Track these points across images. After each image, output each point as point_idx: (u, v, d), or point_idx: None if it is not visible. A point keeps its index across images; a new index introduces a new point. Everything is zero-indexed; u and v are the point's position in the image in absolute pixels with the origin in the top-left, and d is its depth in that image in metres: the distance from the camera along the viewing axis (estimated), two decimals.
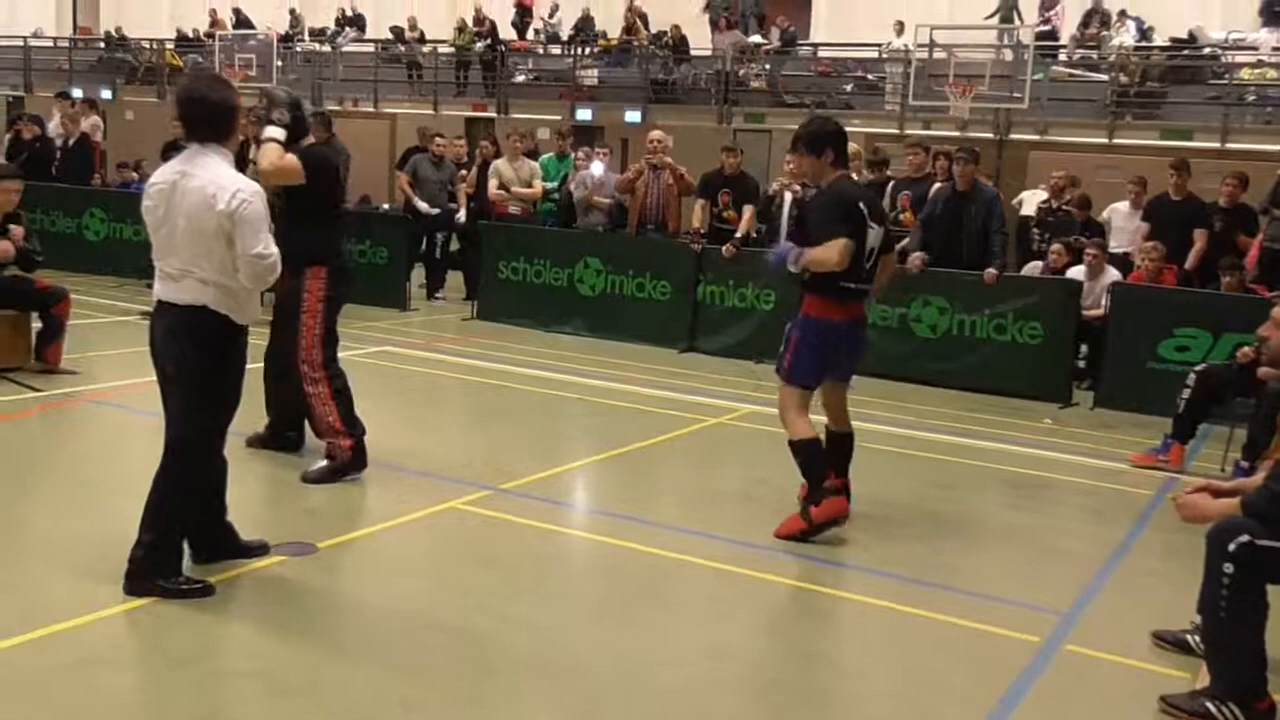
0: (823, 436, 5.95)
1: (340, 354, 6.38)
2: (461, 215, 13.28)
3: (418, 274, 13.45)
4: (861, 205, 5.67)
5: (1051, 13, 20.81)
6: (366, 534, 5.40)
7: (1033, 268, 11.87)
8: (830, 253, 5.45)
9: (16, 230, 8.20)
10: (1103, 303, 10.04)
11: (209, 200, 4.37)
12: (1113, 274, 10.38)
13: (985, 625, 4.79)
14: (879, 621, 4.88)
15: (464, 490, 6.17)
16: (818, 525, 5.70)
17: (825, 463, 5.79)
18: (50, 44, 30.92)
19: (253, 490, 6.21)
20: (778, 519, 5.93)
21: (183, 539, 4.68)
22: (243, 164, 11.94)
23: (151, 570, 4.51)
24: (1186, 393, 7.67)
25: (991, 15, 20.66)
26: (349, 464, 6.24)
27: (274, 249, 4.49)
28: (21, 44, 29.16)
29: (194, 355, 4.48)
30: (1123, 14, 20.02)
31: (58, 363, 8.36)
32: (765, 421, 8.38)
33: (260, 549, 5.00)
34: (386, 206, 18.00)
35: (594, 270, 11.61)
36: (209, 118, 4.50)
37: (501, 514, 5.88)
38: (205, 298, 4.46)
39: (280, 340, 6.45)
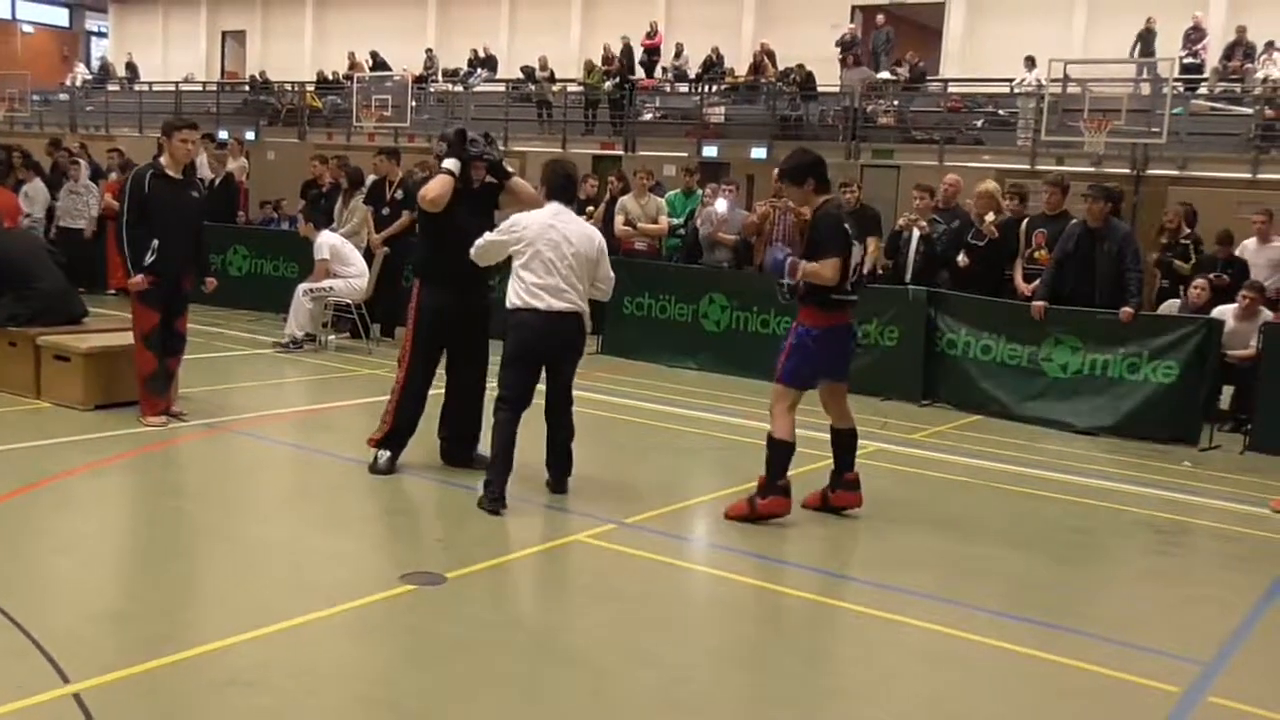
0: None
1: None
2: None
3: None
4: (847, 226, 6.37)
5: (1199, 45, 20.21)
6: (493, 565, 5.47)
7: (1170, 305, 11.50)
8: (826, 269, 6.24)
9: (210, 281, 8.36)
10: (1251, 343, 9.67)
11: (588, 238, 6.50)
12: (1266, 314, 9.99)
13: (1121, 673, 4.63)
14: (1009, 667, 4.74)
15: (588, 523, 6.22)
16: (761, 516, 6.44)
17: (787, 465, 6.47)
18: (200, 88, 32.44)
19: (389, 520, 6.37)
20: (905, 557, 6.05)
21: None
22: (380, 201, 12.35)
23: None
24: None
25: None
26: (380, 442, 6.95)
27: None
28: (173, 89, 30.70)
29: (581, 346, 6.66)
30: (1270, 45, 19.36)
31: (168, 408, 8.06)
32: (893, 460, 8.29)
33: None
34: None
35: (719, 306, 11.63)
36: (571, 188, 6.71)
37: (626, 548, 5.91)
38: (582, 306, 6.46)
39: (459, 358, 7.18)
